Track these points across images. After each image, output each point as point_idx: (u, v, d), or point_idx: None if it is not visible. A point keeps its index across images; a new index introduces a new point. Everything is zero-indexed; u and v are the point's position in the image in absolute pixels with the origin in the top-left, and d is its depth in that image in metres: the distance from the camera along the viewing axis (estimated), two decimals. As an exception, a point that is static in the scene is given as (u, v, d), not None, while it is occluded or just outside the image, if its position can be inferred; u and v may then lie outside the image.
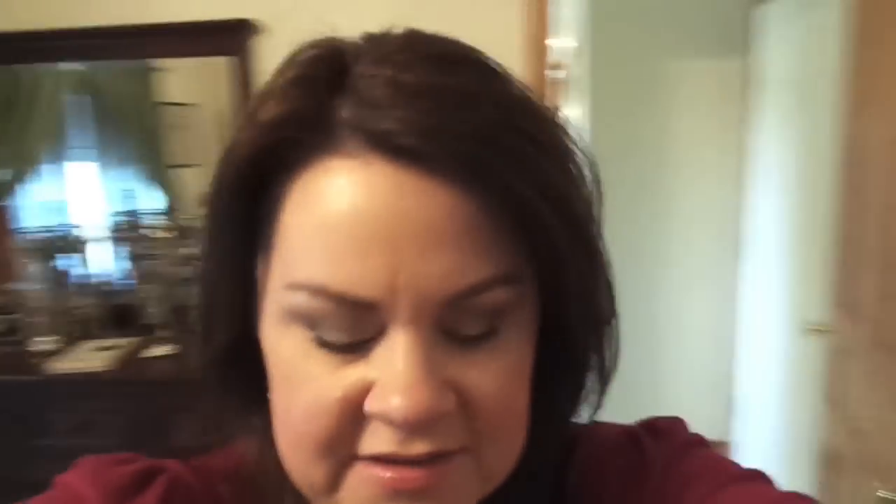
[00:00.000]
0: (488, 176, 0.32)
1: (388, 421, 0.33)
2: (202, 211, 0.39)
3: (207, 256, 0.39)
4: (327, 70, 0.34)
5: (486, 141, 0.32)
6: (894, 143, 1.32)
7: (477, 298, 0.33)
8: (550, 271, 0.35)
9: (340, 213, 0.32)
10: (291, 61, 0.36)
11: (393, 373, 0.32)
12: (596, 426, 0.44)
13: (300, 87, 0.34)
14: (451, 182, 0.32)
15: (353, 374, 0.33)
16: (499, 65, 0.37)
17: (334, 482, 0.35)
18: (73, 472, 0.41)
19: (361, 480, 0.34)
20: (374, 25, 0.38)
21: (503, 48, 1.62)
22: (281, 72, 0.36)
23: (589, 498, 0.44)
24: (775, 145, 2.49)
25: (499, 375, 0.35)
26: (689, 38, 2.96)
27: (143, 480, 0.41)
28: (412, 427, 0.32)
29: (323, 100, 0.33)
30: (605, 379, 0.41)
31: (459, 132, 0.32)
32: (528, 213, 0.33)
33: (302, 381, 0.34)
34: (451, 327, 0.34)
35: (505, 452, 0.37)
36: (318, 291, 0.33)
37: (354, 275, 0.32)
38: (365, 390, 0.33)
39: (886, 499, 1.08)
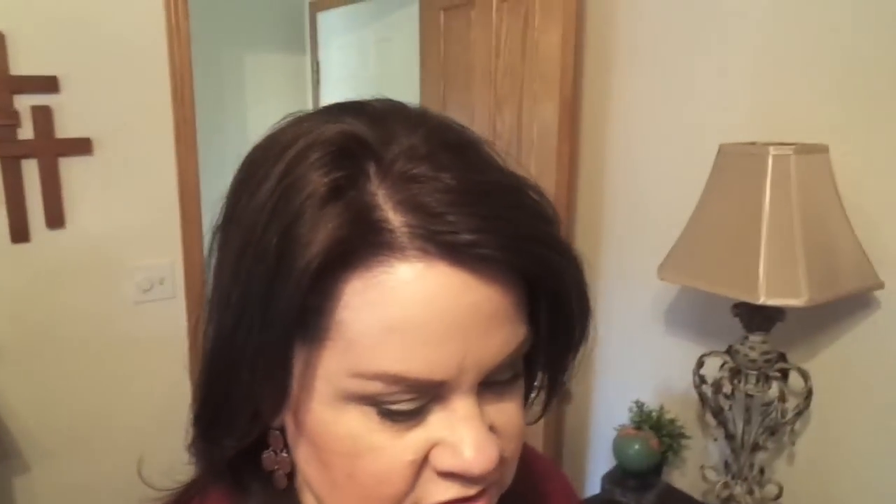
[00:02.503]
0: (537, 261, 0.36)
1: (463, 475, 0.37)
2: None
3: (230, 346, 0.37)
4: (359, 165, 0.35)
5: (528, 231, 0.36)
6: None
7: (516, 355, 0.38)
8: (553, 311, 0.40)
9: (415, 313, 0.34)
10: (311, 145, 0.36)
11: (461, 435, 0.36)
12: None
13: (344, 190, 0.34)
14: (505, 270, 0.36)
15: (417, 437, 0.37)
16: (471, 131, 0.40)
17: None
18: None
19: None
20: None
21: (147, 38, 1.62)
22: (304, 159, 0.35)
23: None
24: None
25: (518, 409, 0.40)
26: (263, 35, 3.29)
27: None
28: (484, 477, 0.37)
29: (372, 202, 0.34)
30: (552, 395, 0.47)
31: (511, 230, 0.35)
32: (560, 278, 0.38)
33: (368, 451, 0.36)
34: (489, 378, 0.38)
35: (514, 467, 0.42)
36: (395, 380, 0.35)
37: (430, 363, 0.35)
38: (428, 450, 0.37)
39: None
